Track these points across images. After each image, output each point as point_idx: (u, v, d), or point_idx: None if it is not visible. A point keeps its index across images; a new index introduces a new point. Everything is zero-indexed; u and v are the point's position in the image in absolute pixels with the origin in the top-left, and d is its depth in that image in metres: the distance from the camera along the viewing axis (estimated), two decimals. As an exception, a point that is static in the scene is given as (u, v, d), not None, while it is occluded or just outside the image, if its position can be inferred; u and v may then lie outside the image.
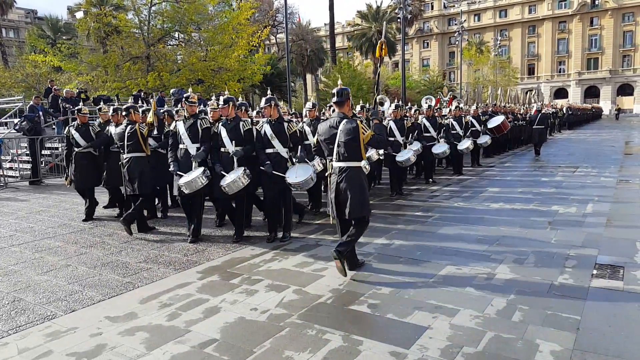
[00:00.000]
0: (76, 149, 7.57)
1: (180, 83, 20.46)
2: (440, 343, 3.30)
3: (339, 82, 4.95)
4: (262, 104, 6.06)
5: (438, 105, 14.40)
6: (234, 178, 5.63)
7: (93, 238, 6.53)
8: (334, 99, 4.67)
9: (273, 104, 5.91)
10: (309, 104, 7.14)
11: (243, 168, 5.73)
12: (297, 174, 5.83)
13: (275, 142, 5.92)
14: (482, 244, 5.68)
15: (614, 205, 7.67)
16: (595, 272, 4.59)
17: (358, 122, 4.53)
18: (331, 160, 4.66)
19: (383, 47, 5.94)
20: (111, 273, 5.01)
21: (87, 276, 4.93)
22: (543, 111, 17.96)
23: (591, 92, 63.89)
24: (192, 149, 5.94)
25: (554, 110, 28.83)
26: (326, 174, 4.85)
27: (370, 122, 5.02)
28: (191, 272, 4.96)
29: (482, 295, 4.11)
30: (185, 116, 5.96)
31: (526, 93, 36.18)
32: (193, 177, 5.72)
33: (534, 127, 16.25)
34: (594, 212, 7.12)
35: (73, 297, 4.33)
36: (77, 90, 16.97)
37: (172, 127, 6.07)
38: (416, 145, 9.61)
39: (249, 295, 4.24)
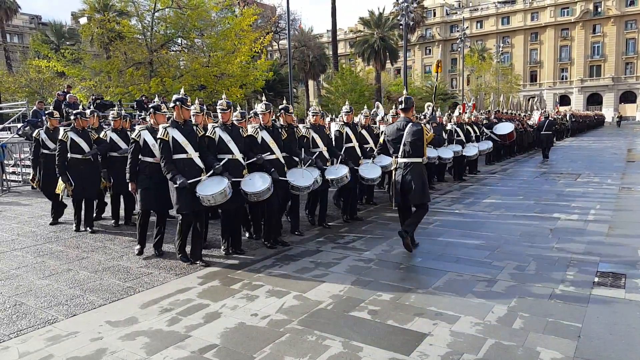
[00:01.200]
0: (76, 156, 6.99)
1: (183, 89, 20.48)
2: (440, 350, 3.29)
3: (404, 91, 5.99)
4: (260, 109, 6.10)
5: (466, 110, 14.38)
6: (222, 189, 5.14)
7: (94, 242, 6.54)
8: (401, 106, 5.69)
9: (271, 111, 6.13)
10: (313, 109, 7.19)
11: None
12: (302, 178, 6.08)
13: (275, 148, 6.00)
14: (484, 251, 5.67)
15: (616, 212, 7.65)
16: (596, 279, 4.58)
17: (422, 125, 5.59)
18: (396, 157, 5.65)
19: (439, 64, 6.52)
20: (112, 278, 5.01)
21: (88, 281, 4.94)
22: (550, 118, 18.77)
23: (594, 100, 63.85)
24: (196, 157, 5.28)
25: (558, 117, 28.82)
26: (391, 168, 5.82)
27: (429, 125, 6.57)
28: (192, 277, 4.96)
29: (483, 302, 4.10)
30: (178, 122, 5.25)
31: (528, 100, 36.25)
32: (223, 189, 5.11)
33: (542, 132, 16.93)
34: (595, 220, 7.11)
35: (74, 302, 4.34)
36: (93, 97, 17.02)
37: (162, 135, 5.15)
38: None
39: (250, 301, 4.24)
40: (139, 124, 7.45)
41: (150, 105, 5.84)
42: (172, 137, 5.17)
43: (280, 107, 6.51)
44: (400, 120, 5.68)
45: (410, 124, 5.50)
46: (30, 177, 8.71)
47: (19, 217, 8.44)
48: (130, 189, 5.74)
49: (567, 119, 31.21)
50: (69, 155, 6.98)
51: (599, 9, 61.96)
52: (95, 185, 7.28)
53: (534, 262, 5.15)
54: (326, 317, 3.87)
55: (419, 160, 5.54)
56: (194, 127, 5.40)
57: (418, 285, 4.53)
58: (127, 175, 5.67)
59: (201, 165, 5.29)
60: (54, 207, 7.75)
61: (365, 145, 7.82)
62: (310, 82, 53.33)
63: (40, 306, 4.25)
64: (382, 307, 4.04)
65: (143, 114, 13.65)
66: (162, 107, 5.68)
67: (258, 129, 6.01)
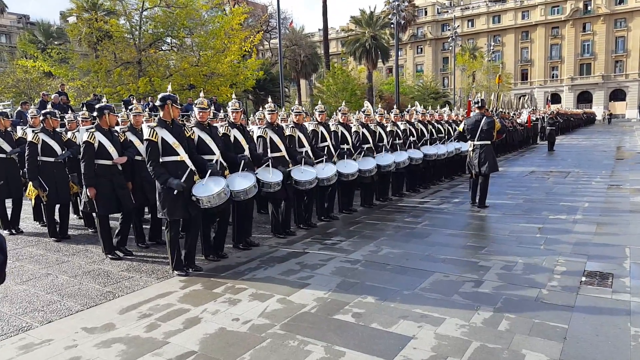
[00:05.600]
0: (48, 159, 6.50)
1: (172, 88, 20.29)
2: (424, 354, 3.22)
3: (477, 94, 6.27)
4: (269, 110, 6.36)
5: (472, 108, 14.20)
6: (221, 189, 4.98)
7: (77, 245, 6.40)
8: (478, 105, 8.33)
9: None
10: (320, 107, 7.19)
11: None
12: (303, 173, 6.35)
13: (282, 147, 6.30)
14: (471, 251, 5.63)
15: (604, 210, 7.64)
16: (583, 279, 4.54)
17: (494, 118, 8.20)
18: (474, 140, 8.04)
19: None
20: (92, 282, 4.89)
21: (66, 285, 4.81)
22: (550, 115, 21.77)
23: (584, 98, 64.34)
24: (188, 159, 4.97)
25: (545, 115, 28.84)
26: (470, 149, 8.15)
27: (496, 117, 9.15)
28: (174, 281, 4.85)
29: (469, 303, 4.03)
30: (167, 122, 4.91)
31: (519, 98, 36.37)
32: (221, 190, 4.88)
33: (547, 127, 20.35)
34: (583, 219, 7.09)
35: (50, 308, 4.21)
36: (93, 97, 16.78)
37: (151, 136, 4.79)
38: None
39: (232, 305, 4.14)
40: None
41: (97, 107, 5.64)
42: (162, 137, 4.83)
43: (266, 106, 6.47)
44: (476, 114, 8.16)
45: (485, 117, 8.00)
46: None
47: (1, 220, 8.25)
48: (89, 194, 5.50)
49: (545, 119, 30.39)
50: (39, 158, 6.45)
51: (589, 8, 62.41)
52: (68, 189, 6.86)
53: (522, 262, 5.09)
54: (309, 321, 3.79)
55: (489, 142, 7.98)
56: (182, 127, 5.16)
57: (404, 287, 4.46)
58: (85, 180, 5.44)
59: (193, 167, 5.01)
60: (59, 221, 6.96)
61: (344, 146, 7.76)
62: (302, 82, 53.13)
63: (14, 313, 4.12)
64: (367, 309, 3.96)
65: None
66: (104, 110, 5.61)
67: (266, 129, 6.24)
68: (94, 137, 5.47)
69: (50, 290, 4.67)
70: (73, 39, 25.72)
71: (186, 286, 4.67)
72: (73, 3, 24.39)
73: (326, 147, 7.32)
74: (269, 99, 6.85)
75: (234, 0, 37.00)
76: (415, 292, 4.32)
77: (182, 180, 4.77)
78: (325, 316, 3.86)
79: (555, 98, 63.55)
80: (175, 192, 4.74)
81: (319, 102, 8.31)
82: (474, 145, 8.02)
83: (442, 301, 4.09)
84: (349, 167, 7.28)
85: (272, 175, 5.84)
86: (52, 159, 6.55)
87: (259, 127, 6.67)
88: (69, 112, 11.99)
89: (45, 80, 27.25)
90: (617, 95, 63.09)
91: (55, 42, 34.06)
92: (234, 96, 6.24)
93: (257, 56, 32.00)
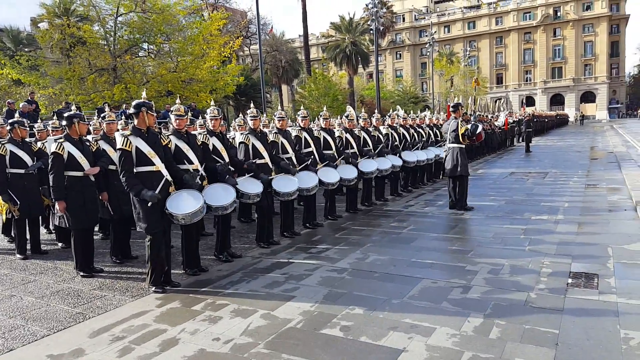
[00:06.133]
0: (17, 170, 6.17)
1: (149, 95, 19.96)
2: (416, 367, 3.09)
3: (455, 98, 6.28)
4: (251, 116, 6.23)
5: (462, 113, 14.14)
6: (198, 207, 4.73)
7: (45, 263, 6.02)
8: (452, 109, 8.33)
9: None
10: (279, 114, 6.98)
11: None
12: (284, 184, 6.24)
13: (265, 153, 6.21)
14: (457, 255, 5.55)
15: (584, 210, 7.70)
16: (570, 281, 4.50)
17: (458, 121, 8.00)
18: (447, 143, 8.20)
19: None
20: (60, 303, 4.57)
21: (32, 308, 4.48)
22: (527, 118, 22.22)
23: (557, 100, 65.93)
24: (164, 169, 4.71)
25: (523, 117, 29.28)
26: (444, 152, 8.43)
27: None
28: (150, 298, 4.59)
29: (459, 310, 3.93)
30: (141, 130, 4.65)
31: (495, 102, 36.99)
32: (200, 207, 4.70)
33: (524, 130, 20.45)
34: (565, 219, 7.11)
35: (13, 334, 3.90)
36: (68, 105, 16.28)
37: (125, 145, 4.53)
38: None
39: (212, 323, 3.93)
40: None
41: (66, 115, 5.36)
42: (136, 147, 4.56)
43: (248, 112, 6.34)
44: (451, 118, 8.20)
45: (452, 120, 8.08)
46: None
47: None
48: (59, 209, 5.23)
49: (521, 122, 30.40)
50: (8, 170, 6.12)
51: (559, 14, 64.18)
52: (40, 202, 6.52)
53: (508, 265, 5.04)
54: (295, 337, 3.61)
55: (458, 145, 7.96)
56: (159, 136, 4.88)
57: (392, 295, 4.33)
58: (54, 194, 5.16)
59: (169, 178, 4.77)
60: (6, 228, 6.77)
61: (327, 151, 7.63)
62: (284, 87, 52.98)
63: (-26, 340, 3.81)
64: (355, 321, 3.81)
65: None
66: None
67: (249, 135, 6.10)
68: (63, 148, 5.18)
69: (13, 314, 4.34)
70: (44, 45, 25.01)
71: (163, 304, 4.43)
72: (44, 9, 23.72)
73: (311, 154, 7.19)
74: (251, 105, 6.68)
75: (213, 5, 36.71)
76: (404, 301, 4.19)
77: (157, 191, 4.54)
78: (312, 331, 3.70)
79: (530, 101, 65.01)
80: (150, 204, 4.51)
81: (302, 107, 8.16)
82: (447, 148, 8.16)
83: (432, 309, 3.98)
84: (331, 176, 7.13)
85: (252, 186, 5.67)
86: (22, 171, 6.22)
87: (241, 133, 6.49)
88: (39, 121, 11.50)
89: (15, 89, 26.38)
90: (588, 97, 64.90)
91: (26, 49, 33.07)
92: (212, 103, 6.03)
93: (237, 62, 31.69)
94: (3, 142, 6.23)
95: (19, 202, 6.14)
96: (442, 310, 3.94)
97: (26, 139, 6.50)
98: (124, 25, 21.97)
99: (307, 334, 3.66)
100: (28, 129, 6.66)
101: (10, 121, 6.49)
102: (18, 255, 6.30)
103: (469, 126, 8.02)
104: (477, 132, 8.03)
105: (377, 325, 3.71)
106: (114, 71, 21.27)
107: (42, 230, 7.26)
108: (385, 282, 4.74)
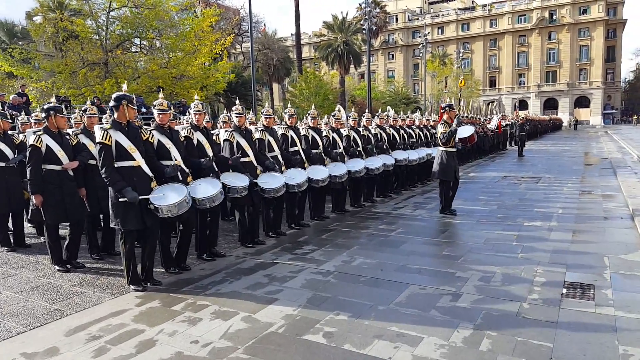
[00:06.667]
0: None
1: (139, 90, 19.73)
2: (401, 379, 2.94)
3: (447, 99, 6.11)
4: (236, 113, 6.06)
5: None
6: (182, 198, 4.60)
7: (27, 257, 5.86)
8: (442, 111, 8.16)
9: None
10: (266, 111, 6.80)
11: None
12: (270, 181, 6.07)
13: (250, 151, 6.07)
14: (447, 260, 5.41)
15: (579, 217, 7.59)
16: (565, 291, 4.36)
17: (440, 124, 7.91)
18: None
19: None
20: (39, 299, 4.42)
21: (10, 303, 4.34)
22: (520, 122, 21.92)
23: (550, 104, 66.25)
24: (144, 165, 4.57)
25: (516, 121, 29.29)
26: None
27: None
28: (129, 297, 4.43)
29: (448, 319, 3.79)
30: (122, 124, 4.49)
31: (488, 105, 37.03)
32: (183, 199, 4.53)
33: (517, 134, 20.35)
34: (559, 226, 6.99)
35: (-14, 331, 3.74)
36: (58, 99, 15.98)
37: (104, 139, 4.36)
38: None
39: (191, 325, 3.77)
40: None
41: (45, 107, 5.21)
42: (116, 140, 4.41)
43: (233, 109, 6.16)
44: (442, 120, 7.94)
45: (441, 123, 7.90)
46: None
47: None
48: (36, 202, 5.08)
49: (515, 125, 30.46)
50: None
51: (554, 17, 64.47)
52: (21, 196, 6.29)
53: (500, 273, 4.90)
54: (276, 342, 3.46)
55: (441, 148, 7.83)
56: (139, 129, 4.72)
57: (378, 301, 4.18)
58: (31, 187, 5.01)
59: (149, 173, 4.63)
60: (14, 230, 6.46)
61: (315, 150, 7.48)
62: (275, 86, 52.73)
63: (-58, 339, 3.63)
64: (339, 328, 3.66)
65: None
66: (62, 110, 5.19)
67: (233, 133, 5.97)
68: (41, 141, 5.01)
69: (-11, 310, 4.18)
70: (37, 39, 24.67)
71: (142, 303, 4.26)
72: (38, 2, 23.38)
73: (297, 152, 7.03)
74: (236, 102, 6.50)
75: (205, 2, 36.41)
76: (390, 308, 4.04)
77: (140, 198, 4.39)
78: (294, 336, 3.54)
79: (523, 104, 65.26)
80: (124, 200, 4.35)
81: (289, 105, 7.99)
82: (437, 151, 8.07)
83: (419, 317, 3.83)
84: (320, 173, 7.00)
85: (238, 180, 5.50)
86: (2, 164, 6.06)
87: (225, 130, 6.32)
88: (22, 113, 11.25)
89: (8, 82, 25.97)
90: (582, 102, 65.25)
91: (20, 43, 32.55)
92: (196, 97, 5.84)
93: (229, 59, 31.43)
94: None
95: None
96: (430, 319, 3.80)
97: (8, 132, 6.31)
98: (116, 19, 21.75)
99: (289, 339, 3.50)
100: (10, 121, 6.45)
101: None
102: (4, 249, 6.15)
103: (445, 130, 7.67)
104: (455, 136, 7.74)
105: (362, 333, 3.56)
106: (105, 66, 21.06)
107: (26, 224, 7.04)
108: (372, 287, 4.59)
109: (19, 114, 13.62)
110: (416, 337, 3.47)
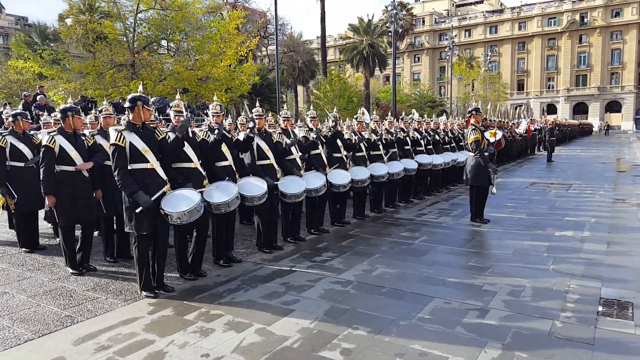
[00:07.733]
0: (17, 164, 6.01)
1: (165, 92, 19.96)
2: (423, 404, 2.72)
3: (474, 103, 5.81)
4: (256, 115, 5.92)
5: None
6: (194, 205, 4.44)
7: (43, 259, 5.86)
8: (469, 114, 7.86)
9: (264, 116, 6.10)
10: (284, 114, 6.66)
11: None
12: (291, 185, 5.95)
13: (270, 154, 5.94)
14: (473, 272, 5.13)
15: (613, 227, 7.18)
16: (600, 309, 4.05)
17: (469, 130, 7.59)
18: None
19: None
20: (51, 304, 4.35)
21: (22, 307, 4.28)
22: (550, 126, 21.04)
23: (580, 109, 64.31)
24: (159, 167, 4.47)
25: (545, 125, 28.46)
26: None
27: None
28: (142, 303, 4.32)
29: (474, 337, 3.54)
30: (136, 125, 4.39)
31: (515, 108, 36.14)
32: (195, 205, 4.41)
33: (547, 138, 19.59)
34: (592, 236, 6.61)
35: (-4, 336, 3.68)
36: (84, 99, 16.29)
37: (118, 140, 4.28)
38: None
39: (203, 336, 3.62)
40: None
41: (61, 108, 5.19)
42: (130, 142, 4.31)
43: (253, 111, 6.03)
44: (470, 125, 7.62)
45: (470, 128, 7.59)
46: None
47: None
48: (49, 203, 5.05)
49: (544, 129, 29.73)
50: (8, 163, 5.99)
51: (585, 20, 62.59)
52: (39, 196, 6.08)
53: (530, 286, 4.61)
54: (291, 358, 3.28)
55: (470, 154, 7.59)
56: (154, 131, 4.59)
57: (400, 316, 3.95)
58: (43, 188, 4.98)
59: (164, 176, 4.51)
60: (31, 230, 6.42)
61: (337, 154, 7.33)
62: (300, 88, 52.80)
63: (-48, 342, 3.59)
64: (358, 344, 3.45)
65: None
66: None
67: (255, 136, 5.82)
68: (54, 141, 4.99)
69: (2, 314, 4.14)
70: (67, 40, 25.32)
71: (155, 311, 4.15)
72: (67, 4, 23.99)
73: (317, 155, 6.87)
74: (257, 104, 6.38)
75: (231, 4, 36.74)
76: (413, 323, 3.82)
77: (153, 199, 4.27)
78: (310, 352, 3.35)
79: (551, 109, 63.51)
80: (141, 207, 4.23)
81: (311, 107, 7.83)
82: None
83: (444, 335, 3.59)
84: (341, 177, 6.81)
85: (255, 187, 5.35)
86: (21, 164, 6.07)
87: (244, 133, 6.19)
88: (44, 112, 11.43)
89: (39, 82, 26.72)
90: (613, 106, 63.10)
91: (51, 44, 33.55)
92: (215, 99, 5.73)
93: (254, 62, 31.56)
94: (4, 134, 6.10)
95: (16, 196, 5.98)
96: (455, 337, 3.56)
97: (28, 132, 6.34)
98: (143, 22, 22.06)
99: (304, 355, 3.32)
100: (30, 121, 6.48)
101: (12, 113, 6.36)
102: (23, 249, 6.17)
103: (477, 137, 7.38)
104: (485, 141, 7.50)
105: (382, 351, 3.35)
106: (132, 67, 21.37)
107: (47, 225, 7.06)
108: (393, 299, 4.37)
109: (42, 114, 13.96)
110: (440, 357, 3.24)
